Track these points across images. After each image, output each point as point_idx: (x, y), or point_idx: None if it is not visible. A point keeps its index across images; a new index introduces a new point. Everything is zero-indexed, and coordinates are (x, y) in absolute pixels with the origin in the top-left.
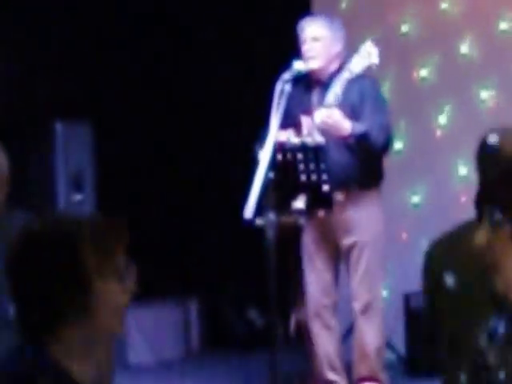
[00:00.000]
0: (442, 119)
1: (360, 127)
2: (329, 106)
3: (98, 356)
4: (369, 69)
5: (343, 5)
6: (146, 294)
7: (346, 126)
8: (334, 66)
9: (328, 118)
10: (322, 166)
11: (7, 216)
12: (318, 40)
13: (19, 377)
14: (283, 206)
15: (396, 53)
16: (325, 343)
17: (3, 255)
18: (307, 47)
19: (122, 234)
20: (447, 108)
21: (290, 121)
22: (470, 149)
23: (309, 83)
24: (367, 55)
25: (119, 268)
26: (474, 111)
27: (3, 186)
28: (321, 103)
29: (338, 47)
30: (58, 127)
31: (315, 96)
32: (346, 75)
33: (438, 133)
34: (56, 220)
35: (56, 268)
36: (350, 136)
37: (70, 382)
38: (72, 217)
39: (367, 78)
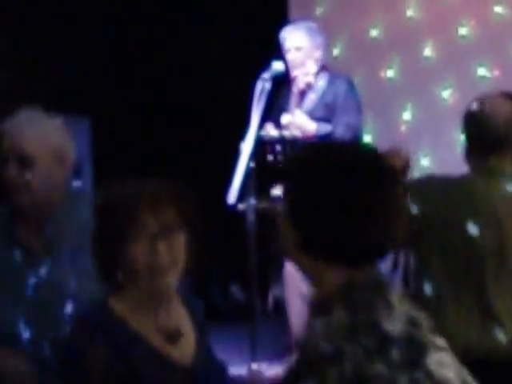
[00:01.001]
0: (406, 115)
1: (325, 128)
2: (292, 112)
3: (158, 314)
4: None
5: (318, 11)
6: None
7: (311, 127)
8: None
9: (291, 122)
10: None
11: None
12: (300, 49)
13: (90, 323)
14: (263, 192)
15: (365, 55)
16: (300, 312)
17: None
18: (291, 57)
19: (150, 196)
20: (410, 105)
21: (280, 116)
22: (431, 142)
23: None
24: (306, 74)
25: (146, 230)
26: (435, 108)
27: (70, 169)
28: (298, 105)
29: (318, 53)
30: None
31: (294, 97)
32: (294, 89)
33: (403, 127)
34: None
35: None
36: (315, 136)
37: (129, 333)
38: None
39: (343, 78)
